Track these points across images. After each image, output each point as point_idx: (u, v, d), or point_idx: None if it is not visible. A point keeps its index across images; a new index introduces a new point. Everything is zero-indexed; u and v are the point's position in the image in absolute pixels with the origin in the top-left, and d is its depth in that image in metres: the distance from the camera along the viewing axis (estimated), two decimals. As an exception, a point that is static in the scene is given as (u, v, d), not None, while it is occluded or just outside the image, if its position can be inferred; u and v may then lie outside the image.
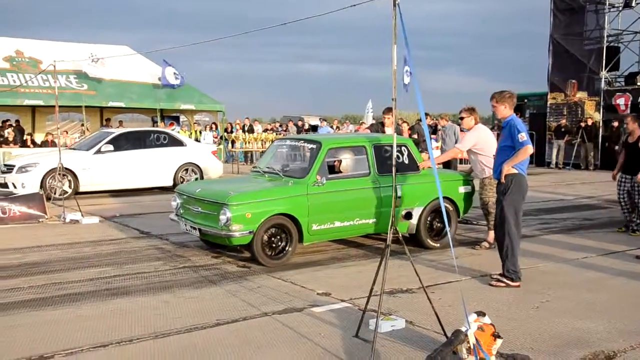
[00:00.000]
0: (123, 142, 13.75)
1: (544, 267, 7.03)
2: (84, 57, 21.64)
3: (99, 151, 13.19)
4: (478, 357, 3.91)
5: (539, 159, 22.67)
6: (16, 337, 4.66)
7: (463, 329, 4.07)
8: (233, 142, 25.13)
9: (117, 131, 14.67)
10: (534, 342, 4.60)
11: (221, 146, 25.20)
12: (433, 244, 7.91)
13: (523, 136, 6.07)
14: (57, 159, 12.81)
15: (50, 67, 11.34)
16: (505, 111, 6.26)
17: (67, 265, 7.02)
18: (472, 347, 3.94)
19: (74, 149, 14.53)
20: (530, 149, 6.12)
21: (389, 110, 9.85)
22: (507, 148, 6.22)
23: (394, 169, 4.91)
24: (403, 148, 7.97)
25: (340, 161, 7.65)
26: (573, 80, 21.84)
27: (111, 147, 13.36)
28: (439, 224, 8.04)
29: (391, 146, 7.89)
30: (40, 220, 9.75)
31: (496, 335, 4.13)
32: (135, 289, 6.05)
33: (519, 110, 26.06)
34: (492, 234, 7.92)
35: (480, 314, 4.21)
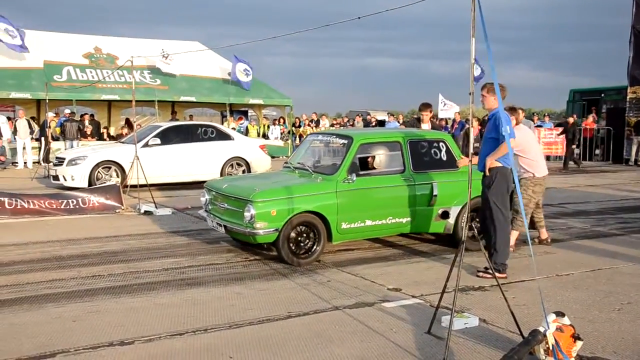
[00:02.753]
0: (170, 136, 13.81)
1: (625, 267, 6.74)
2: (157, 53, 22.29)
3: (146, 145, 13.15)
4: (557, 359, 3.78)
5: (616, 156, 21.77)
6: (98, 322, 4.86)
7: (541, 329, 3.96)
8: (300, 136, 25.30)
9: (164, 125, 14.73)
10: (616, 346, 4.41)
11: (289, 141, 25.47)
12: (471, 245, 6.99)
13: (507, 129, 5.95)
14: (105, 153, 13.25)
15: (127, 62, 11.74)
16: (494, 103, 6.19)
17: (143, 255, 7.25)
18: (550, 348, 3.83)
19: (123, 142, 14.85)
20: (512, 142, 6.05)
21: (426, 106, 9.49)
22: (491, 140, 6.22)
23: (470, 164, 4.81)
24: (441, 144, 7.67)
25: (373, 157, 7.38)
26: (656, 73, 20.79)
27: (158, 141, 13.42)
28: (478, 224, 7.69)
29: (428, 142, 7.64)
30: (117, 210, 10.11)
31: (576, 337, 4.00)
32: (208, 279, 6.19)
33: (595, 104, 25.25)
34: (514, 234, 7.53)
35: (560, 314, 4.07)
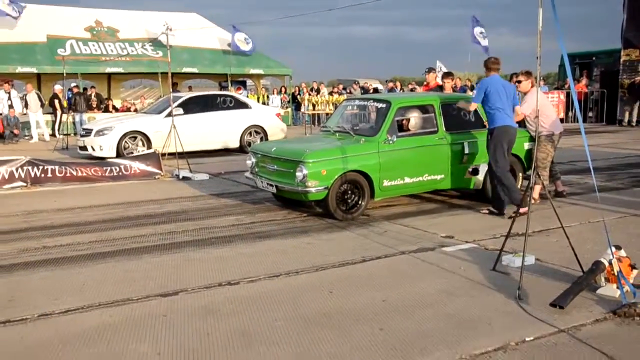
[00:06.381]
0: (192, 106, 14.15)
1: (647, 214, 7.41)
2: (157, 25, 22.45)
3: (169, 114, 13.12)
4: (621, 284, 4.42)
5: (610, 117, 22.52)
6: (197, 268, 5.42)
7: (603, 260, 4.58)
8: (300, 104, 25.72)
9: (186, 95, 15.05)
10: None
11: (289, 109, 25.87)
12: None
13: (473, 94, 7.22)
14: (131, 123, 13.62)
15: (162, 36, 12.12)
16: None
17: (203, 214, 7.77)
18: (616, 274, 4.45)
19: (145, 112, 15.25)
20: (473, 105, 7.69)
21: (447, 74, 10.20)
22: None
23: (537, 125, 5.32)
24: None
25: (408, 119, 7.94)
26: (650, 35, 21.32)
27: (181, 111, 13.63)
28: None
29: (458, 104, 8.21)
30: (157, 177, 10.59)
31: (632, 266, 4.64)
32: (276, 233, 6.75)
33: (586, 68, 25.89)
34: (536, 188, 7.91)
35: (617, 247, 4.70)
